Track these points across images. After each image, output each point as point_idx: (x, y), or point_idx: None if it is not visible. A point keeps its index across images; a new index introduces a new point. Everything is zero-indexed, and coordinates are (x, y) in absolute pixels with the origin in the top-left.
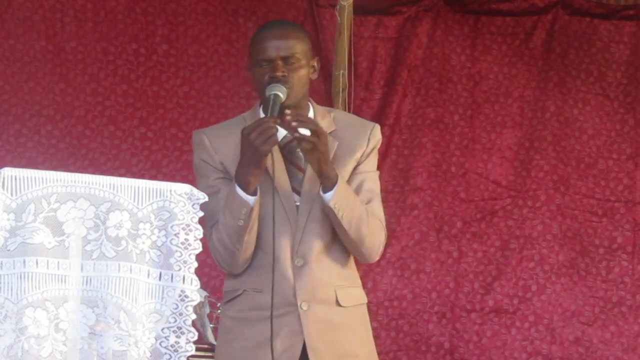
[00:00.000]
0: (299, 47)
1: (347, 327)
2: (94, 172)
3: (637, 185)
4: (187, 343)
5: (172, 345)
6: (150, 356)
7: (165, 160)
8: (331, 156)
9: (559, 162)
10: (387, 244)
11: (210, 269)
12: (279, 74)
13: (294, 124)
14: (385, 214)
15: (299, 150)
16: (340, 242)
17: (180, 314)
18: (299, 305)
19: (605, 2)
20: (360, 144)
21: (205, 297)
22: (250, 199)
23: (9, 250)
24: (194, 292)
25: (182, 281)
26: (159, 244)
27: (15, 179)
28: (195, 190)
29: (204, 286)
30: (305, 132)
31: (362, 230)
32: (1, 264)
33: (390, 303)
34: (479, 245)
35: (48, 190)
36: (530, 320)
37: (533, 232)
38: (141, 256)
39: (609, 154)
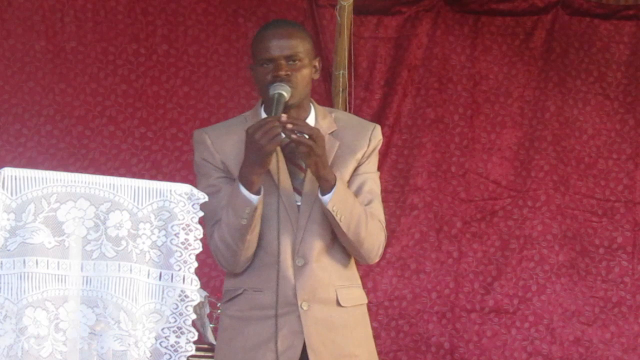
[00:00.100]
0: (301, 47)
1: (347, 328)
2: (94, 172)
3: (637, 185)
4: (187, 343)
5: (172, 345)
6: (150, 356)
7: (165, 160)
8: (332, 156)
9: (559, 162)
10: (387, 244)
11: (210, 269)
12: (283, 73)
13: (289, 126)
14: (385, 215)
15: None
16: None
17: (180, 314)
18: (299, 305)
19: (605, 2)
20: (361, 145)
21: (205, 297)
22: (254, 198)
23: (9, 250)
24: (194, 292)
25: (182, 281)
26: (159, 244)
27: (15, 179)
28: (195, 190)
29: (204, 286)
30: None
31: (361, 232)
32: (1, 264)
33: (390, 303)
34: (479, 245)
35: (48, 190)
36: (530, 320)
37: (533, 232)
38: (141, 256)
39: (609, 154)
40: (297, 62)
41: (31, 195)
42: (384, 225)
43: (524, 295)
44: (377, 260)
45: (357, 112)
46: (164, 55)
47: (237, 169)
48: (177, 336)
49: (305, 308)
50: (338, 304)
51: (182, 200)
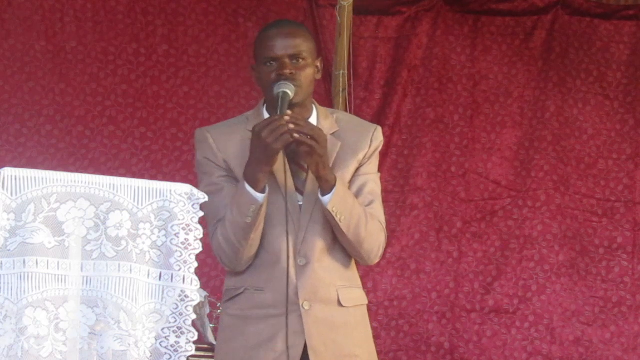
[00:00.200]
0: (305, 46)
1: (347, 328)
2: (94, 172)
3: (637, 185)
4: (187, 343)
5: (172, 345)
6: (150, 356)
7: (165, 160)
8: (333, 157)
9: (559, 162)
10: (387, 244)
11: (210, 269)
12: (287, 71)
13: (291, 126)
14: (385, 215)
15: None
16: None
17: (180, 314)
18: (300, 304)
19: (605, 2)
20: (362, 146)
21: (205, 297)
22: (260, 197)
23: (9, 250)
24: (194, 292)
25: (182, 281)
26: (159, 244)
27: (15, 179)
28: (195, 190)
29: (204, 286)
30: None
31: (361, 232)
32: (1, 264)
33: (390, 303)
34: (479, 245)
35: (48, 190)
36: (530, 320)
37: (533, 232)
38: (141, 256)
39: (609, 154)
40: (300, 61)
41: (31, 195)
42: (384, 226)
43: (524, 295)
44: (377, 261)
45: (357, 112)
46: (164, 55)
47: (239, 168)
48: (177, 336)
49: (306, 308)
50: (339, 304)
51: (182, 200)
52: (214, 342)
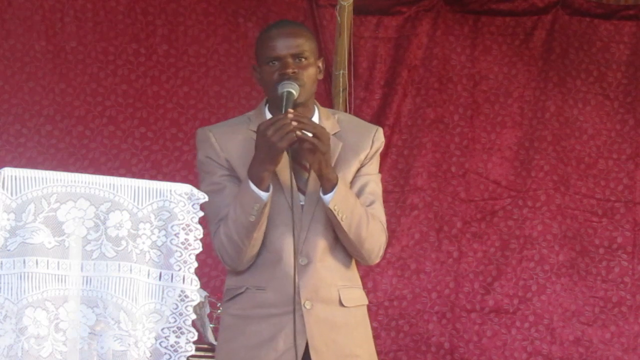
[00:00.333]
0: (307, 46)
1: (348, 328)
2: (94, 172)
3: (637, 185)
4: (187, 343)
5: (172, 345)
6: (150, 356)
7: (165, 160)
8: (335, 157)
9: (559, 162)
10: (387, 244)
11: (210, 269)
12: (290, 70)
13: (294, 123)
14: (386, 216)
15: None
16: None
17: (180, 314)
18: (302, 303)
19: (605, 2)
20: (364, 146)
21: (205, 297)
22: (264, 195)
23: (9, 250)
24: (194, 292)
25: (182, 281)
26: (159, 244)
27: (15, 179)
28: (195, 190)
29: (204, 286)
30: (307, 133)
31: (362, 232)
32: (1, 264)
33: (390, 303)
34: (479, 245)
35: (48, 190)
36: (530, 320)
37: (533, 232)
38: (141, 256)
39: (609, 154)
40: (303, 60)
41: (31, 195)
42: (385, 226)
43: (524, 295)
44: (377, 261)
45: (357, 112)
46: (164, 55)
47: (241, 168)
48: (177, 336)
49: (308, 307)
50: (340, 304)
51: (182, 200)
52: (214, 342)
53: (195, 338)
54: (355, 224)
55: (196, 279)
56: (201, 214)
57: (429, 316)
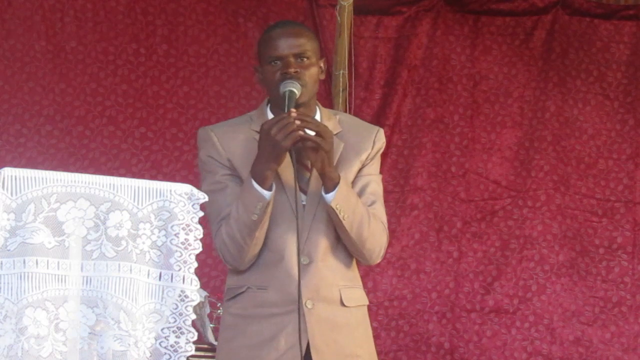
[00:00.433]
0: (309, 45)
1: (349, 328)
2: (94, 172)
3: (637, 185)
4: (187, 343)
5: (172, 345)
6: (150, 356)
7: (165, 160)
8: (337, 157)
9: (559, 162)
10: (387, 244)
11: (210, 269)
12: (292, 70)
13: (297, 122)
14: (386, 216)
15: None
16: None
17: (180, 314)
18: (303, 303)
19: (605, 2)
20: (365, 147)
21: (205, 297)
22: (267, 194)
23: (9, 250)
24: (194, 292)
25: (182, 281)
26: (159, 244)
27: (15, 179)
28: (195, 190)
29: (204, 286)
30: (310, 132)
31: (364, 231)
32: (1, 264)
33: (390, 303)
34: (479, 245)
35: (48, 190)
36: (530, 320)
37: (533, 232)
38: (141, 256)
39: (609, 154)
40: (305, 60)
41: (31, 195)
42: (386, 226)
43: (524, 295)
44: (378, 261)
45: (357, 112)
46: (164, 55)
47: (243, 167)
48: (177, 336)
49: (309, 306)
50: (342, 303)
51: (182, 200)
52: (214, 342)
53: (195, 338)
54: (356, 223)
55: (196, 279)
56: (201, 214)
57: (429, 316)
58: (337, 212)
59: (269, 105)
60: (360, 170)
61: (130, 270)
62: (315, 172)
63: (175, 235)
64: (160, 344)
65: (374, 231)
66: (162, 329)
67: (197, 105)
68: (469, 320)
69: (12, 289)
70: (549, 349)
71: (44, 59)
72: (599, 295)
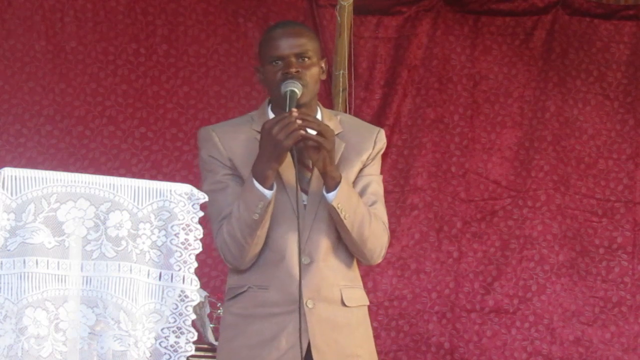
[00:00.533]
0: (310, 45)
1: (350, 328)
2: (94, 172)
3: (637, 185)
4: (186, 343)
5: (171, 346)
6: (150, 356)
7: (165, 160)
8: (338, 157)
9: (559, 162)
10: (388, 245)
11: (210, 269)
12: (293, 70)
13: (299, 122)
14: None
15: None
16: None
17: (180, 314)
18: (304, 303)
19: (605, 2)
20: (366, 147)
21: (205, 297)
22: (268, 193)
23: (9, 250)
24: (194, 292)
25: (182, 281)
26: (159, 244)
27: (15, 179)
28: (195, 190)
29: (204, 286)
30: (311, 131)
31: (365, 231)
32: (1, 264)
33: (390, 303)
34: (479, 245)
35: (48, 190)
36: (530, 320)
37: (533, 232)
38: (141, 256)
39: (609, 154)
40: (306, 60)
41: (31, 195)
42: (387, 226)
43: (524, 295)
44: (379, 261)
45: (357, 112)
46: (164, 55)
47: (244, 167)
48: (176, 336)
49: (310, 306)
50: (342, 303)
51: (182, 200)
52: (214, 342)
53: (195, 338)
54: (358, 223)
55: (196, 279)
56: (201, 214)
57: (429, 316)
58: (339, 211)
59: (270, 105)
60: (361, 170)
61: (130, 270)
62: (316, 172)
63: (175, 235)
64: (160, 344)
65: (375, 231)
66: (162, 329)
67: (197, 105)
68: (469, 320)
69: (12, 289)
70: (549, 349)
71: (44, 59)
72: (599, 295)
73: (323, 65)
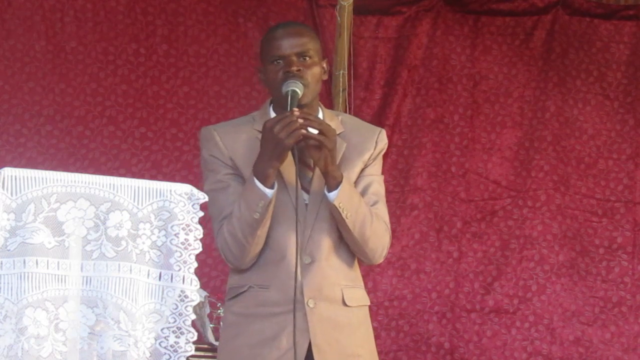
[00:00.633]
0: (312, 45)
1: (351, 327)
2: (94, 172)
3: (637, 185)
4: (186, 343)
5: (171, 346)
6: (150, 356)
7: (165, 160)
8: (339, 157)
9: (559, 162)
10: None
11: (210, 269)
12: (294, 68)
13: (300, 121)
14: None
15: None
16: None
17: (180, 314)
18: (305, 302)
19: (605, 2)
20: (368, 147)
21: (205, 297)
22: (269, 192)
23: (9, 250)
24: (194, 292)
25: (182, 281)
26: (159, 244)
27: (15, 179)
28: (195, 190)
29: (204, 286)
30: (313, 131)
31: (366, 231)
32: (1, 264)
33: (390, 303)
34: (479, 245)
35: (48, 190)
36: (530, 320)
37: (533, 232)
38: (141, 256)
39: (609, 154)
40: (307, 59)
41: (31, 195)
42: (389, 226)
43: (524, 295)
44: (380, 261)
45: (357, 112)
46: (164, 55)
47: (245, 167)
48: (176, 336)
49: (311, 306)
50: (344, 303)
51: (182, 200)
52: (214, 342)
53: (195, 338)
54: (359, 222)
55: (196, 279)
56: (201, 214)
57: (429, 316)
58: (340, 210)
59: (271, 105)
60: (362, 170)
61: (130, 270)
62: (318, 171)
63: (175, 235)
64: (160, 344)
65: (376, 230)
66: (162, 329)
67: (197, 105)
68: (469, 320)
69: (12, 289)
70: (549, 349)
71: (44, 59)
72: (599, 295)
73: (325, 65)
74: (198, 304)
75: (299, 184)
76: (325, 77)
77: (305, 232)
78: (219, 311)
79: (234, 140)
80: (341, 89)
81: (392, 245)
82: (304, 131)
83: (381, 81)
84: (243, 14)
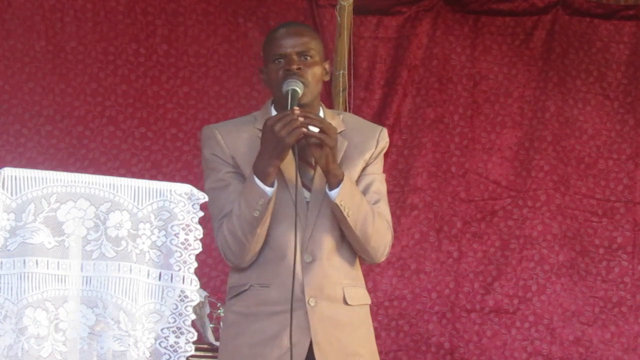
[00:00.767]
0: (313, 44)
1: (352, 326)
2: (94, 172)
3: (637, 185)
4: (186, 343)
5: (171, 346)
6: (150, 356)
7: (165, 160)
8: (340, 155)
9: (559, 162)
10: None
11: (210, 269)
12: (295, 66)
13: (301, 119)
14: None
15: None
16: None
17: (180, 314)
18: (306, 301)
19: (605, 2)
20: (369, 146)
21: (205, 297)
22: (269, 190)
23: (9, 250)
24: (194, 292)
25: (182, 281)
26: (159, 244)
27: (15, 179)
28: (195, 190)
29: (204, 286)
30: (314, 129)
31: (368, 229)
32: (1, 264)
33: (390, 303)
34: (479, 245)
35: (48, 190)
36: (530, 320)
37: (533, 232)
38: (141, 256)
39: (609, 154)
40: (308, 58)
41: (31, 195)
42: (391, 225)
43: (524, 295)
44: (382, 259)
45: (357, 112)
46: (164, 55)
47: (246, 166)
48: (176, 336)
49: (312, 304)
50: (345, 302)
51: (182, 200)
52: (214, 342)
53: (195, 338)
54: (361, 220)
55: (196, 279)
56: (201, 214)
57: (429, 316)
58: (342, 208)
59: (273, 104)
60: (364, 169)
61: (130, 270)
62: (319, 170)
63: (175, 235)
64: (160, 344)
65: (378, 228)
66: (161, 329)
67: (197, 105)
68: (469, 320)
69: (12, 289)
70: (549, 349)
71: (44, 59)
72: (599, 295)
73: (327, 67)
74: (198, 304)
75: (299, 182)
76: (327, 79)
77: (307, 230)
78: (219, 311)
79: (235, 139)
80: (341, 89)
81: (392, 245)
82: (304, 129)
83: (381, 81)
84: (243, 14)
